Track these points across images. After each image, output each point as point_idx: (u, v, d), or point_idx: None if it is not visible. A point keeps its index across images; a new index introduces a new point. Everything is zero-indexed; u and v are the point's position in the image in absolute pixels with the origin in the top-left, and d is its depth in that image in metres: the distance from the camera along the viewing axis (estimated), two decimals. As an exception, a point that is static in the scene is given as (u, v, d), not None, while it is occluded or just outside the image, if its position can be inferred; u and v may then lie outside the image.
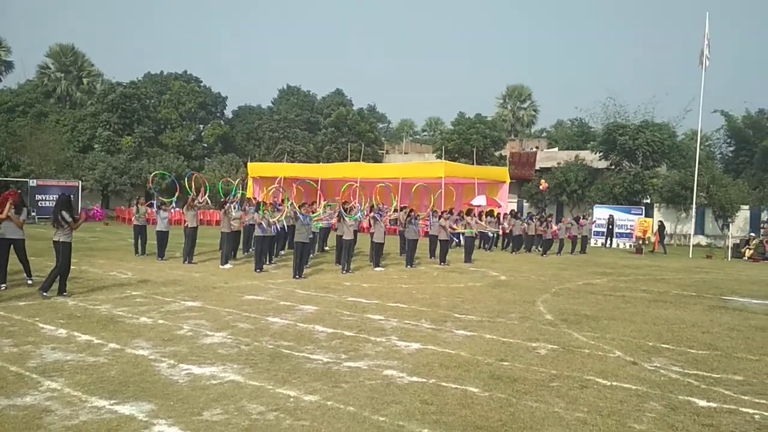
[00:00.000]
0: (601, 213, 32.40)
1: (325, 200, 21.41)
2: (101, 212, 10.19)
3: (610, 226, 31.26)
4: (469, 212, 21.03)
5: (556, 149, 49.05)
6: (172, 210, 18.55)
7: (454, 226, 19.19)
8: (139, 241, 17.48)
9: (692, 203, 29.91)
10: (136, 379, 6.00)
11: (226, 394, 5.66)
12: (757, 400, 6.00)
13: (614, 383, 6.44)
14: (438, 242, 18.95)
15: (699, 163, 29.82)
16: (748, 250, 26.63)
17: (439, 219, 19.02)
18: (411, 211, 18.75)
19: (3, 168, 33.84)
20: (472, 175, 31.56)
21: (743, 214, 34.57)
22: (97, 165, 38.43)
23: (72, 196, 11.94)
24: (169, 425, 4.85)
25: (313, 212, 16.36)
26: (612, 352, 7.85)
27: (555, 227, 24.91)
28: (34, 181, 33.26)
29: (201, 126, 50.92)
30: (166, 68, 63.00)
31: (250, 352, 7.23)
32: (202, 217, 31.09)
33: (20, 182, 33.38)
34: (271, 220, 15.14)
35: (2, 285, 10.78)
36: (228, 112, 54.41)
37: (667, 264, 22.02)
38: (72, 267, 11.87)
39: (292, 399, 5.58)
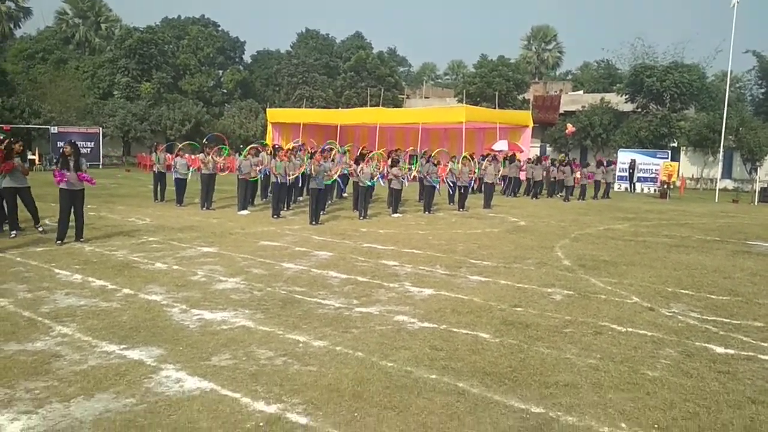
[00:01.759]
0: (626, 157, 31.74)
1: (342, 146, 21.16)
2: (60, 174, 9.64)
3: (632, 171, 30.65)
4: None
5: (581, 92, 47.86)
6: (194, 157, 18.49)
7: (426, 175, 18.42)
8: (158, 188, 17.58)
9: (720, 147, 29.14)
10: (147, 325, 6.02)
11: (236, 339, 5.66)
12: (776, 348, 5.86)
13: (629, 329, 6.33)
14: (457, 188, 18.72)
15: (728, 106, 28.89)
16: (776, 195, 25.99)
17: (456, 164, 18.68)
18: (430, 156, 18.49)
19: (24, 115, 33.96)
20: (494, 120, 30.95)
21: (773, 157, 33.63)
22: (117, 112, 38.42)
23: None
24: (176, 370, 4.86)
25: (331, 159, 16.23)
26: (629, 297, 7.71)
27: (577, 174, 24.44)
28: (56, 128, 33.38)
29: (220, 71, 50.50)
30: (183, 13, 62.31)
31: (262, 297, 7.22)
32: (225, 165, 31.12)
33: (41, 129, 33.63)
34: (289, 173, 15.04)
35: (13, 232, 10.80)
36: (247, 57, 53.91)
37: (692, 209, 21.60)
38: (91, 213, 11.97)
39: (301, 344, 5.56)
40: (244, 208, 15.57)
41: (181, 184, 16.69)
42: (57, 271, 8.28)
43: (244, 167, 15.64)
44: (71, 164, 10.16)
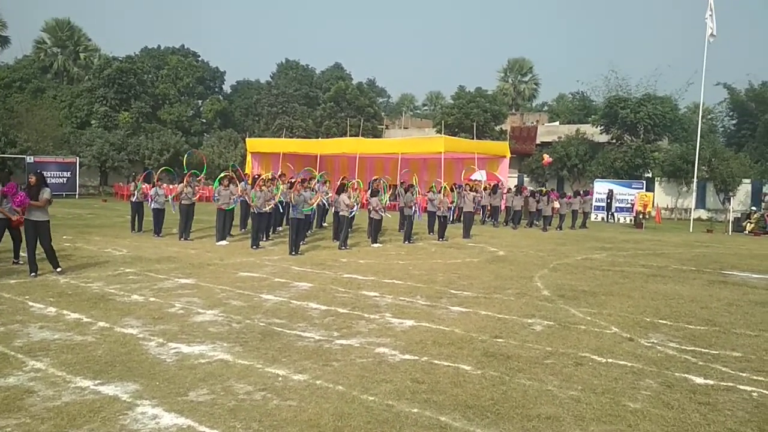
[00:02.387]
0: (601, 187, 32.17)
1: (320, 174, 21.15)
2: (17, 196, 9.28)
3: (609, 201, 31.07)
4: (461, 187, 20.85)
5: (557, 123, 48.60)
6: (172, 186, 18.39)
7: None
8: (136, 218, 17.39)
9: (693, 177, 29.68)
10: (122, 359, 5.90)
11: (214, 373, 5.57)
12: (755, 377, 5.90)
13: (610, 360, 6.34)
14: (436, 218, 18.78)
15: (701, 137, 29.50)
16: (749, 224, 26.42)
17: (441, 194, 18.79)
18: (410, 186, 18.57)
19: (0, 145, 33.56)
20: (473, 150, 31.21)
21: (745, 187, 34.30)
22: (95, 141, 38.08)
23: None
24: (152, 406, 4.75)
25: (311, 189, 16.25)
26: (609, 328, 7.74)
27: (556, 204, 24.70)
28: (32, 157, 32.97)
29: (199, 101, 50.44)
30: (163, 42, 62.35)
31: (241, 330, 7.13)
32: (201, 193, 30.94)
33: (17, 159, 33.20)
34: (267, 202, 15.02)
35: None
36: (226, 87, 53.98)
37: (668, 238, 21.89)
38: (66, 244, 11.75)
39: (280, 378, 5.48)
40: (222, 238, 15.45)
41: (159, 214, 16.53)
42: (31, 303, 8.11)
43: (222, 197, 15.56)
44: (35, 195, 9.96)
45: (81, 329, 6.93)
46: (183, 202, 16.07)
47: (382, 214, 16.52)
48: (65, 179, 34.42)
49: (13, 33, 74.41)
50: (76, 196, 34.43)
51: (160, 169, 19.54)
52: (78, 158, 35.85)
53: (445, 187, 19.43)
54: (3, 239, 10.87)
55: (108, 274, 10.48)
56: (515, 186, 29.10)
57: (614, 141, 37.43)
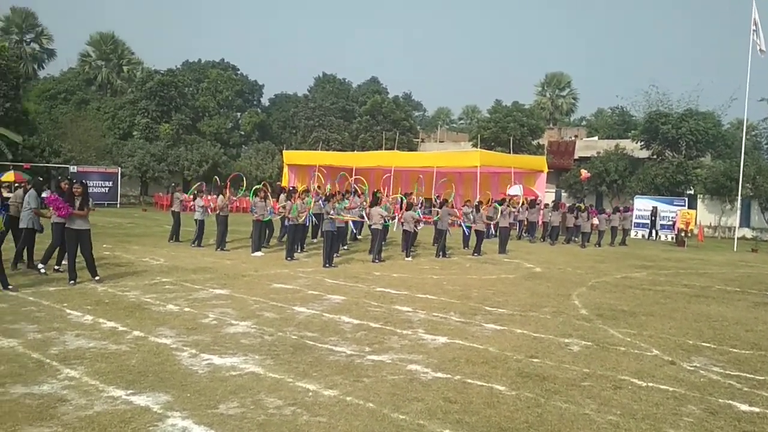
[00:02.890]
0: (642, 204, 31.51)
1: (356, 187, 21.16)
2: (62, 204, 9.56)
3: (654, 218, 30.39)
4: (501, 201, 20.66)
5: (596, 138, 47.90)
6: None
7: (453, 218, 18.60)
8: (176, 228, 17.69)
9: (737, 195, 28.86)
10: (155, 369, 5.92)
11: (245, 386, 5.53)
12: (805, 407, 5.62)
13: (650, 384, 6.12)
14: (473, 233, 18.61)
15: (745, 153, 28.71)
16: (796, 244, 25.58)
17: (475, 210, 18.64)
18: (445, 200, 18.45)
19: (44, 154, 34.54)
20: (509, 164, 30.96)
21: (792, 206, 33.24)
22: (136, 152, 38.98)
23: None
24: (183, 418, 4.74)
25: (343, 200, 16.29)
26: (649, 350, 7.49)
27: (594, 220, 24.25)
28: (75, 167, 33.86)
29: (238, 114, 51.28)
30: (204, 56, 63.56)
31: (273, 342, 7.11)
32: (238, 204, 31.30)
33: (61, 168, 34.11)
34: (300, 214, 15.11)
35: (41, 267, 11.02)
36: (264, 100, 54.78)
37: (711, 257, 21.28)
38: (105, 253, 11.97)
39: (311, 393, 5.42)
40: (258, 249, 15.54)
41: (200, 225, 16.74)
42: (68, 311, 8.23)
43: (258, 208, 15.68)
44: (77, 203, 10.16)
45: (116, 338, 7.00)
46: (220, 213, 16.24)
47: (417, 228, 16.44)
48: (107, 189, 35.19)
49: (59, 46, 76.88)
50: (118, 206, 35.17)
51: (197, 183, 19.81)
52: (120, 168, 36.69)
53: (480, 201, 19.26)
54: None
55: (145, 284, 10.61)
56: (553, 201, 28.69)
57: (655, 157, 36.71)
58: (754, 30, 26.08)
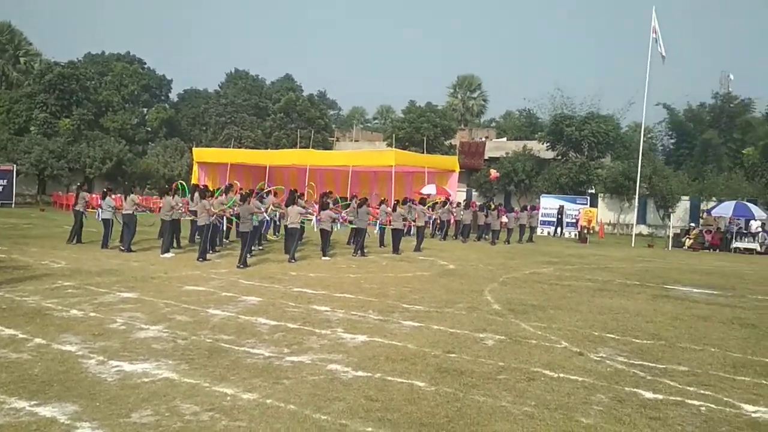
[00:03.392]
0: (548, 203, 32.82)
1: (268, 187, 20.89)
2: None
3: (560, 216, 31.72)
4: (422, 201, 20.97)
5: (505, 139, 49.50)
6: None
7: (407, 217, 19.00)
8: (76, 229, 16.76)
9: (635, 194, 30.61)
10: (60, 378, 5.59)
11: (159, 393, 5.32)
12: (702, 392, 6.01)
13: (561, 375, 6.37)
14: (390, 231, 18.77)
15: (642, 155, 30.49)
16: (688, 240, 27.43)
17: (394, 209, 18.77)
18: (364, 199, 18.48)
19: (-70, 150, 31.95)
20: (422, 164, 31.49)
21: (683, 204, 35.61)
22: (33, 148, 36.59)
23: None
24: (92, 429, 4.50)
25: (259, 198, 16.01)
26: (559, 342, 7.80)
27: (504, 218, 25.02)
28: (-35, 164, 31.49)
29: (144, 109, 49.25)
30: (108, 48, 60.54)
31: (186, 346, 6.87)
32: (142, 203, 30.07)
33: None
34: (212, 210, 14.73)
35: None
36: (173, 96, 52.91)
37: (611, 253, 22.44)
38: (1, 256, 11.23)
39: (229, 397, 5.28)
40: (167, 251, 15.00)
41: (107, 224, 15.95)
42: (-41, 319, 7.64)
43: (169, 206, 15.15)
44: None
45: (16, 346, 6.55)
46: (124, 212, 15.57)
47: (336, 226, 16.40)
48: (1, 187, 32.95)
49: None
50: (13, 205, 32.99)
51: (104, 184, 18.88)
52: (15, 166, 34.40)
53: (397, 201, 19.45)
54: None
55: (45, 288, 10.00)
56: (464, 200, 29.38)
57: (560, 157, 38.33)
58: (654, 37, 27.67)
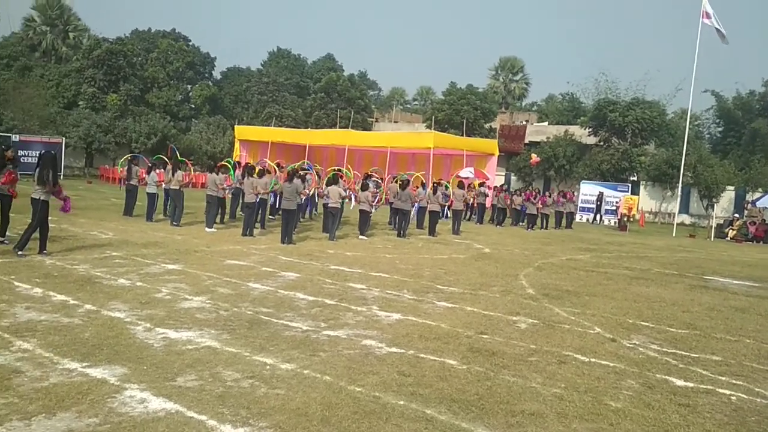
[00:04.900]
0: (588, 189, 32.44)
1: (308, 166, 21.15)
2: None
3: (599, 203, 31.33)
4: (460, 185, 20.98)
5: (546, 123, 48.86)
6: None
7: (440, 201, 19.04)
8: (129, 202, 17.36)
9: (678, 182, 30.01)
10: (110, 342, 5.90)
11: (202, 359, 5.59)
12: (734, 381, 6.02)
13: (592, 359, 6.44)
14: (427, 213, 18.88)
15: (687, 143, 29.84)
16: (731, 231, 26.82)
17: (434, 191, 18.82)
18: (406, 181, 18.55)
19: (-15, 122, 33.17)
20: (461, 147, 31.36)
21: (728, 194, 34.79)
22: (82, 122, 37.69)
23: (56, 154, 11.63)
24: (140, 390, 4.77)
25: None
26: (592, 328, 7.85)
27: (540, 204, 24.86)
28: (17, 136, 32.60)
29: (188, 86, 50.06)
30: (154, 25, 61.52)
31: (228, 317, 7.15)
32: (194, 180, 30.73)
33: (2, 137, 32.77)
34: (260, 191, 15.04)
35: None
36: (216, 74, 53.59)
37: (651, 242, 22.14)
38: (51, 225, 11.66)
39: (268, 367, 5.52)
40: (211, 225, 15.40)
41: (152, 198, 16.46)
42: (17, 284, 8.06)
43: (214, 183, 15.52)
44: (50, 177, 9.94)
45: (68, 311, 6.92)
46: (173, 187, 16.00)
47: (372, 209, 16.57)
48: (50, 159, 33.99)
49: (2, 9, 73.27)
50: (61, 177, 33.95)
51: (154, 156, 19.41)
52: (64, 139, 35.47)
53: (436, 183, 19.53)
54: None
55: (94, 257, 10.44)
56: (501, 184, 29.27)
57: (602, 143, 37.74)
58: (706, 21, 26.83)
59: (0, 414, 4.17)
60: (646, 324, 8.35)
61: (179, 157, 17.92)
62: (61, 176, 33.55)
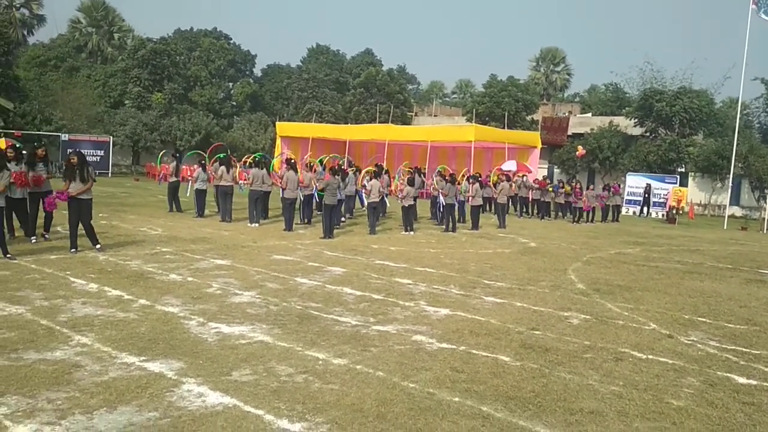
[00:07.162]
0: (634, 181, 31.71)
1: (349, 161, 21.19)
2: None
3: (647, 195, 30.61)
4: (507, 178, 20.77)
5: (590, 114, 47.92)
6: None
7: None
8: (174, 199, 17.71)
9: (729, 173, 29.09)
10: (165, 336, 5.99)
11: (255, 354, 5.63)
12: (800, 380, 5.79)
13: (650, 356, 6.27)
14: (471, 208, 18.74)
15: (737, 132, 28.86)
16: (785, 223, 25.88)
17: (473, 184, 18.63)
18: (452, 175, 18.39)
19: (35, 122, 34.13)
20: (503, 140, 31.01)
21: (781, 185, 33.56)
22: (128, 121, 38.60)
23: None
24: (198, 384, 4.82)
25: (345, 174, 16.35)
26: (647, 324, 7.65)
27: (584, 197, 24.42)
28: (66, 135, 33.55)
29: (230, 84, 50.78)
30: (196, 25, 62.58)
31: (278, 312, 7.19)
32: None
33: (52, 136, 33.77)
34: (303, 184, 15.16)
35: (32, 238, 10.90)
36: (257, 71, 54.21)
37: (702, 235, 21.52)
38: (102, 222, 12.01)
39: (320, 362, 5.52)
40: (255, 221, 15.57)
41: (201, 195, 16.77)
42: (72, 279, 8.27)
43: (261, 179, 15.70)
44: (77, 175, 10.09)
45: (123, 306, 7.06)
46: (225, 184, 16.25)
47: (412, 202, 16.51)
48: (98, 158, 34.87)
49: (49, 12, 75.29)
50: (109, 175, 34.94)
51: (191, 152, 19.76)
52: (111, 137, 36.35)
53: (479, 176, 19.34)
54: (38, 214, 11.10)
55: (145, 253, 10.64)
56: (544, 177, 28.81)
57: (648, 134, 36.86)
58: (754, 8, 25.89)
59: (63, 408, 4.26)
60: (703, 320, 8.09)
61: (227, 154, 18.18)
62: (109, 174, 34.59)
